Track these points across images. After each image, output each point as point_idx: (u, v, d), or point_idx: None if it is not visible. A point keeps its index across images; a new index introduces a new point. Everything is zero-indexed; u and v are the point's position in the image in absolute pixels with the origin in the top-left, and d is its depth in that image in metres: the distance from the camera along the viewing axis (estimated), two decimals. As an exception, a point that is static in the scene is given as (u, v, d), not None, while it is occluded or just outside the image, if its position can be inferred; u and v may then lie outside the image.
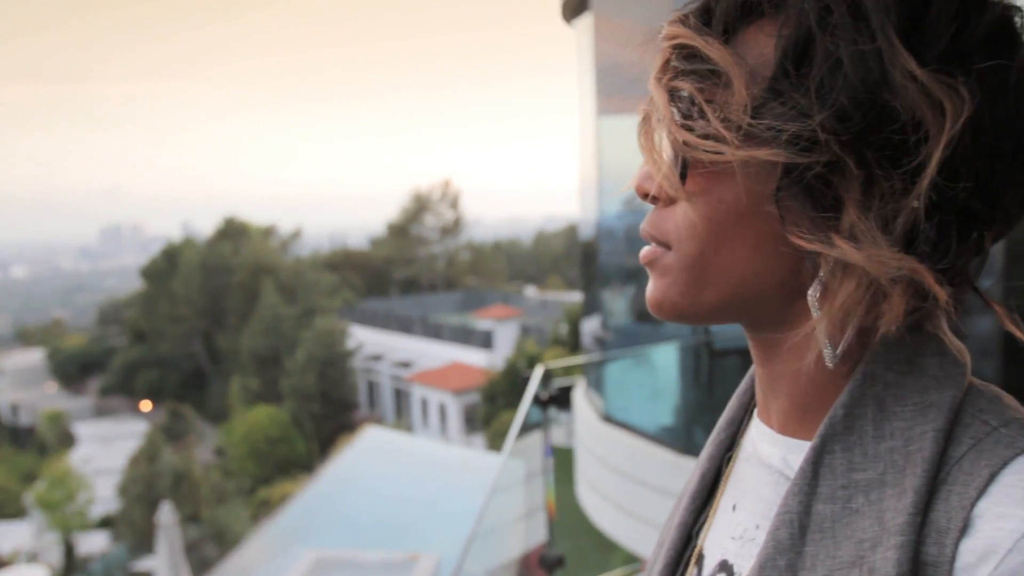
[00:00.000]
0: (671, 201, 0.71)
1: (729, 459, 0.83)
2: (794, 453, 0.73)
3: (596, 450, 7.22)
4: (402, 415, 39.57)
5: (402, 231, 57.25)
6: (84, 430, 45.82)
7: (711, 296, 0.71)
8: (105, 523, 32.11)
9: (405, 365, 41.16)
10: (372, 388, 42.94)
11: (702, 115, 0.67)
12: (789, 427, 0.74)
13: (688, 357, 7.18)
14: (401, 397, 40.45)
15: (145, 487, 30.09)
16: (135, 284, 61.27)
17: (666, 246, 0.72)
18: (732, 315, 0.72)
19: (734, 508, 0.79)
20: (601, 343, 8.88)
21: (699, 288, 0.71)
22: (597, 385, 8.04)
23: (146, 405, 49.33)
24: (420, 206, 56.76)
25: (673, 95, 0.69)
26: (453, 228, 57.63)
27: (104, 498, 32.55)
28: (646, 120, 0.71)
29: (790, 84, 0.64)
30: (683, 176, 0.68)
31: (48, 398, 56.25)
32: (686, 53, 0.68)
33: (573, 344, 30.37)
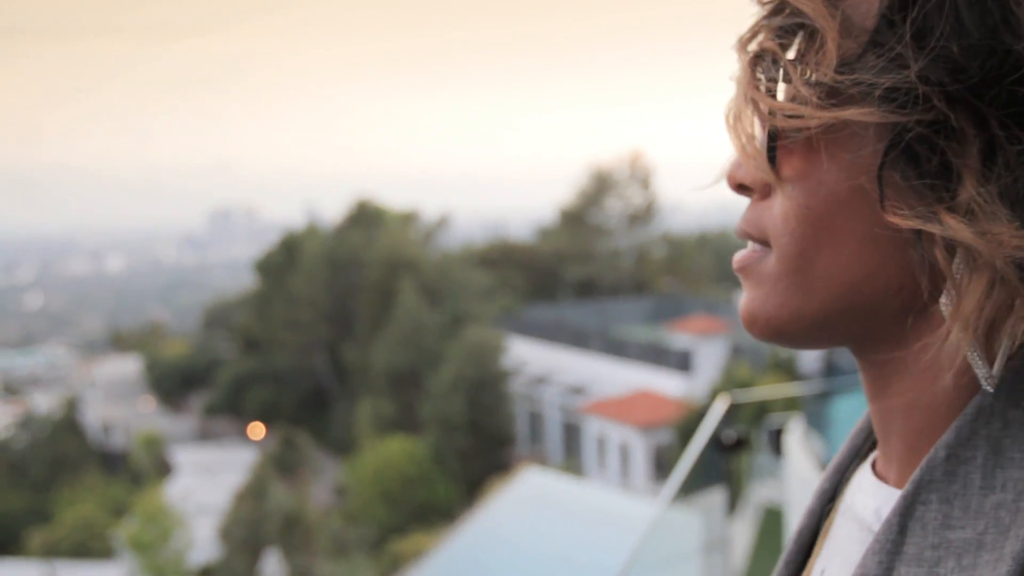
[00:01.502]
0: (768, 192, 0.74)
1: (829, 512, 0.85)
2: (888, 504, 0.74)
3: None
4: (572, 455, 39.78)
5: (577, 219, 57.56)
6: (184, 456, 48.64)
7: (815, 306, 0.72)
8: (205, 573, 33.92)
9: (578, 391, 41.34)
10: (535, 419, 43.39)
11: (787, 77, 0.70)
12: (892, 474, 0.76)
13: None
14: (572, 432, 40.67)
15: (250, 530, 31.59)
16: (247, 280, 64.48)
17: (765, 244, 0.74)
18: (841, 332, 0.74)
19: (822, 574, 0.80)
20: (830, 368, 8.71)
21: (802, 297, 0.72)
22: (820, 425, 7.89)
23: (257, 429, 51.72)
24: (601, 187, 56.92)
25: (758, 59, 0.72)
26: (644, 215, 57.47)
27: (203, 540, 34.40)
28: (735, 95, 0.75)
29: (893, 34, 0.66)
30: (771, 156, 0.71)
31: (144, 417, 60.05)
32: (775, 7, 0.72)
33: (795, 369, 29.77)
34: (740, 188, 0.77)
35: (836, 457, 0.88)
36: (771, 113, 0.71)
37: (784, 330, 0.74)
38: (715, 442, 4.97)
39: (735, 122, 0.74)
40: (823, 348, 0.77)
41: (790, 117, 0.69)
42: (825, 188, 0.70)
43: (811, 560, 0.84)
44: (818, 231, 0.70)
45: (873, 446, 0.85)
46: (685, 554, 5.22)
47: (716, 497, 5.07)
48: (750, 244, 0.77)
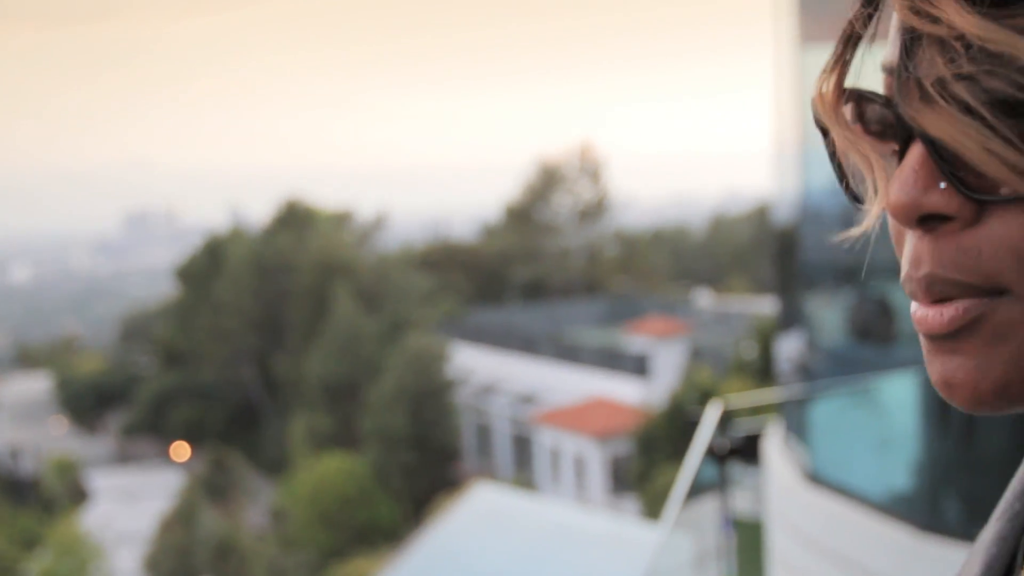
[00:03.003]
0: (974, 219, 0.62)
1: None
2: None
3: (798, 524, 7.10)
4: (524, 468, 39.84)
5: (524, 216, 57.71)
6: (101, 481, 48.02)
7: None
8: (128, 607, 33.56)
9: (528, 400, 41.39)
10: (483, 431, 43.38)
11: None
12: None
13: (934, 391, 6.98)
14: (523, 444, 40.71)
15: (179, 560, 31.30)
16: (167, 288, 63.84)
17: (996, 292, 0.63)
18: None
19: None
20: (805, 371, 8.75)
21: None
22: (800, 431, 7.92)
23: (181, 450, 51.24)
24: (549, 181, 57.11)
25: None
26: (595, 211, 57.72)
27: (125, 572, 33.99)
28: (934, 83, 0.62)
29: None
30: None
31: (55, 439, 59.20)
32: None
33: (764, 372, 29.96)
34: (922, 221, 0.64)
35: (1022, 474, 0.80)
36: None
37: None
38: (709, 451, 4.97)
39: (935, 112, 0.61)
40: None
41: None
42: None
43: None
44: None
45: None
46: (678, 569, 5.22)
47: (706, 508, 5.08)
48: (956, 292, 0.64)
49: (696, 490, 5.19)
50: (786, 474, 7.53)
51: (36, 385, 70.15)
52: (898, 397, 7.59)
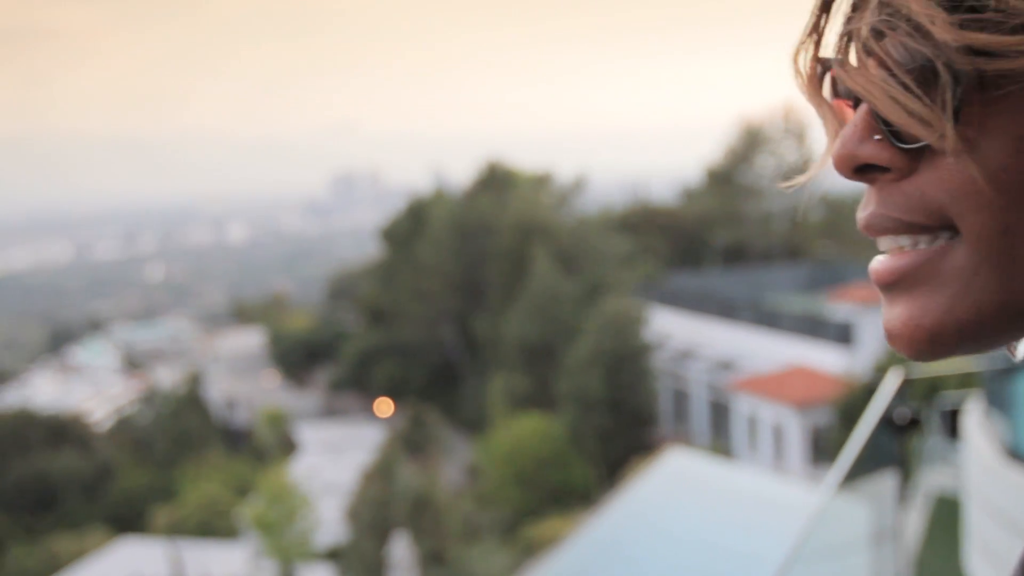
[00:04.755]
0: (909, 167, 0.66)
1: None
2: None
3: (998, 502, 6.80)
4: (720, 435, 39.47)
5: (726, 179, 56.80)
6: (309, 434, 49.89)
7: (1020, 290, 0.65)
8: (332, 555, 34.77)
9: (726, 367, 40.93)
10: (679, 397, 43.13)
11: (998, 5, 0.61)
12: None
13: None
14: (719, 411, 40.32)
15: (378, 511, 32.22)
16: (372, 249, 65.54)
17: (934, 230, 0.66)
18: None
19: None
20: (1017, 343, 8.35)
21: (1008, 287, 0.65)
22: (1002, 406, 7.59)
23: (384, 406, 52.66)
24: (752, 143, 56.00)
25: None
26: (800, 173, 56.17)
27: (330, 521, 35.25)
28: (856, 38, 0.67)
29: None
30: (957, 112, 0.62)
31: (268, 392, 61.75)
32: None
33: (974, 343, 28.95)
34: (859, 172, 0.68)
35: None
36: (977, 51, 0.62)
37: (980, 334, 0.67)
38: (887, 422, 4.77)
39: (861, 76, 0.65)
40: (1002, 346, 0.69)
41: (988, 56, 0.61)
42: None
43: None
44: (1022, 199, 0.63)
45: None
46: (852, 544, 5.04)
47: (887, 482, 4.88)
48: (899, 242, 0.68)
49: (878, 462, 4.98)
50: (986, 451, 7.24)
51: (250, 340, 73.28)
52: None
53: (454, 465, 41.86)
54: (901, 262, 0.67)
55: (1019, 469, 6.69)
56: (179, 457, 45.57)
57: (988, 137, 0.62)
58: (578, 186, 58.42)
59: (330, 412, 57.83)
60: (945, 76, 0.62)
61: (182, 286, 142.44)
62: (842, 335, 38.13)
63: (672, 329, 43.92)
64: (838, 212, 60.13)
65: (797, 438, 35.27)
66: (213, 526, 36.89)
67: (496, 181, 54.46)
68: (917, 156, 0.65)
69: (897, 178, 0.66)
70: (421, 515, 31.55)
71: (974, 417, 7.79)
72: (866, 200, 0.69)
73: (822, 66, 0.71)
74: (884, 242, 0.69)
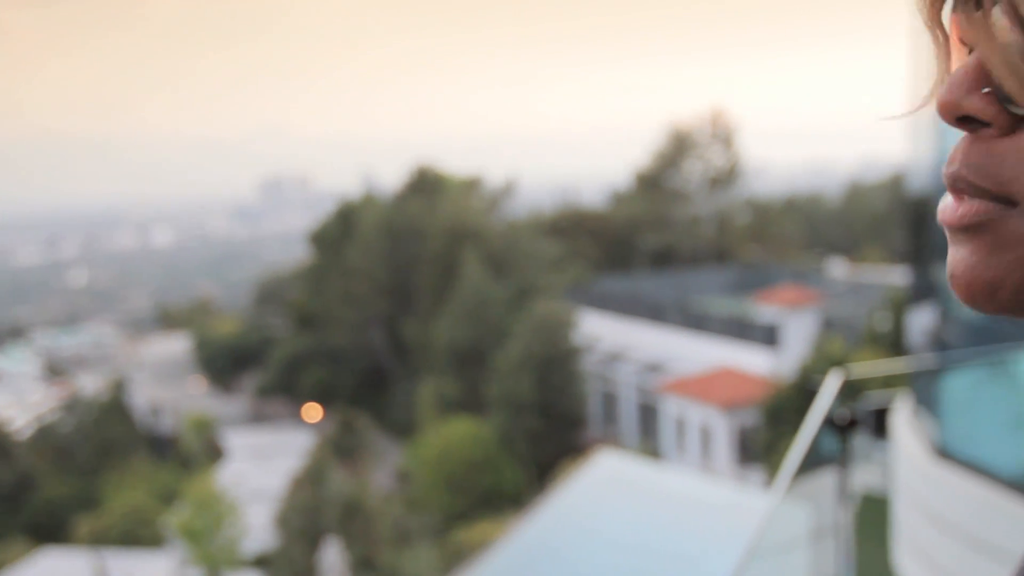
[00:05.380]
0: (1009, 128, 0.65)
1: None
2: None
3: (927, 500, 6.87)
4: (649, 437, 39.70)
5: (654, 183, 57.24)
6: (236, 440, 49.34)
7: None
8: (260, 563, 34.42)
9: (655, 369, 41.17)
10: (608, 399, 43.31)
11: None
12: None
13: (1073, 365, 6.72)
14: (648, 413, 40.55)
15: (308, 518, 31.97)
16: (301, 253, 65.07)
17: (1007, 200, 0.66)
18: None
19: None
20: (939, 343, 8.49)
21: None
22: (930, 405, 7.68)
23: (312, 411, 52.30)
24: (680, 148, 56.52)
25: None
26: (726, 178, 56.96)
27: (258, 527, 34.89)
28: None
29: None
30: None
31: (193, 398, 61.03)
32: None
33: (898, 344, 29.34)
34: (961, 121, 0.67)
35: None
36: None
37: None
38: (828, 422, 4.81)
39: (977, 26, 0.65)
40: None
41: None
42: None
43: None
44: None
45: None
46: (792, 542, 5.06)
47: (826, 481, 4.91)
48: (968, 197, 0.68)
49: (816, 461, 5.02)
50: (915, 449, 7.32)
51: (176, 346, 72.41)
52: (1037, 371, 7.32)
53: (384, 470, 41.69)
54: (971, 209, 0.67)
55: (947, 467, 6.78)
56: (102, 465, 44.84)
57: None
58: (508, 190, 58.55)
59: (257, 418, 57.30)
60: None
61: (106, 291, 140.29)
62: (768, 337, 38.54)
63: (601, 332, 44.11)
64: (764, 215, 60.86)
65: (724, 438, 35.57)
66: (138, 535, 36.33)
67: (426, 185, 54.38)
68: (1020, 121, 0.64)
69: (996, 135, 0.65)
70: (351, 520, 31.37)
71: (902, 416, 7.89)
72: (952, 155, 0.69)
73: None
74: (954, 209, 0.69)
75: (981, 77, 0.65)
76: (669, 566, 17.03)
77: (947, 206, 0.70)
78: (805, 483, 5.04)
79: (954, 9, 0.68)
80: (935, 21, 0.71)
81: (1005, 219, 0.66)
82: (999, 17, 0.63)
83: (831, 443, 4.96)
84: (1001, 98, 0.64)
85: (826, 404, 4.92)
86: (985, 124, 0.66)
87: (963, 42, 0.69)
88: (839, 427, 4.79)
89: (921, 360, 8.65)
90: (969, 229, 0.68)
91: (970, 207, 0.67)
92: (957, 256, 0.69)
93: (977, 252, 0.68)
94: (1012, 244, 0.66)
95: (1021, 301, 0.68)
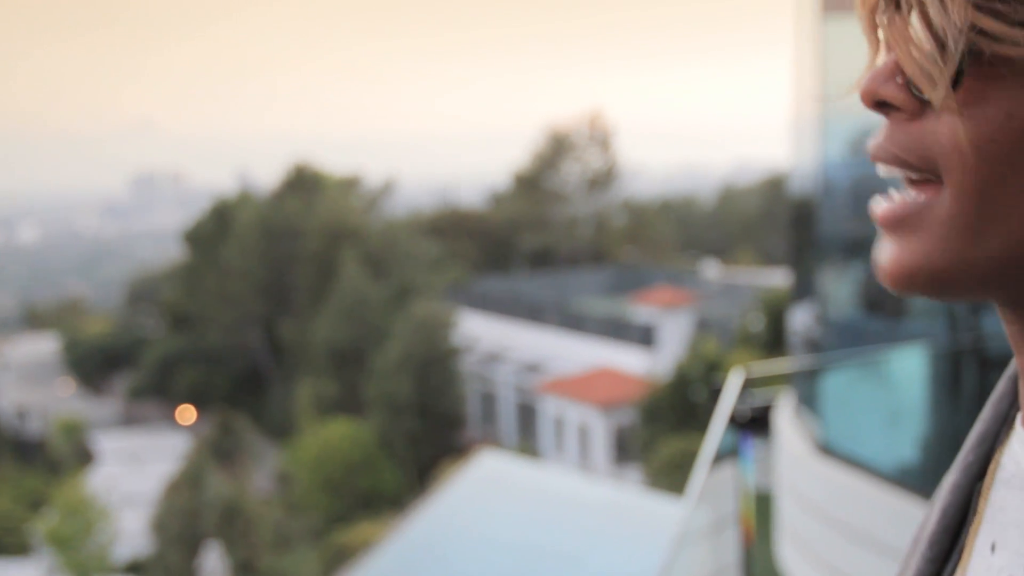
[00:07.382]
0: (919, 112, 0.73)
1: (980, 487, 0.85)
2: None
3: (807, 495, 7.11)
4: (528, 436, 39.94)
5: (533, 184, 57.59)
6: (107, 443, 48.18)
7: (987, 255, 0.71)
8: (133, 568, 33.74)
9: (533, 369, 41.44)
10: (487, 399, 43.46)
11: None
12: None
13: (944, 365, 6.99)
14: (527, 413, 40.80)
15: (185, 523, 31.45)
16: (174, 252, 63.86)
17: (932, 175, 0.73)
18: (1008, 283, 0.73)
19: (993, 548, 0.80)
20: (815, 344, 8.74)
21: (975, 244, 0.71)
22: (810, 403, 7.91)
23: (187, 413, 51.42)
24: (558, 149, 56.99)
25: None
26: (604, 180, 57.60)
27: (131, 533, 34.21)
28: None
29: None
30: (957, 80, 0.69)
31: (62, 401, 59.39)
32: None
33: (772, 343, 30.03)
34: (878, 106, 0.74)
35: (978, 427, 0.88)
36: (986, 34, 0.68)
37: (949, 283, 0.73)
38: (730, 420, 4.97)
39: (895, 28, 0.72)
40: (976, 301, 0.76)
41: (992, 39, 0.67)
42: (1018, 122, 0.68)
43: (969, 537, 0.84)
44: (1004, 169, 0.69)
45: (1017, 409, 0.85)
46: (694, 535, 5.22)
47: (725, 475, 5.07)
48: (900, 190, 0.75)
49: (718, 457, 5.18)
50: (797, 445, 7.53)
51: (43, 346, 70.29)
52: (908, 370, 7.59)
53: (263, 472, 41.18)
54: (896, 206, 0.74)
55: (828, 463, 7.02)
56: (-34, 471, 43.46)
57: (982, 107, 0.69)
58: (387, 189, 58.33)
59: (130, 421, 56.03)
60: (952, 47, 0.68)
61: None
62: (644, 337, 39.10)
63: (480, 332, 44.25)
64: (641, 217, 61.71)
65: (602, 438, 35.98)
66: (3, 543, 35.33)
67: (304, 184, 53.87)
68: (928, 107, 0.71)
69: (907, 119, 0.72)
70: (231, 524, 30.96)
71: (784, 414, 8.12)
72: (878, 133, 0.75)
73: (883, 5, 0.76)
74: (883, 170, 0.76)
75: (897, 70, 0.73)
76: (551, 565, 17.21)
77: (878, 206, 0.76)
78: (709, 477, 5.20)
79: (880, 15, 0.74)
80: (871, 27, 0.77)
81: (930, 206, 0.72)
82: (916, 21, 0.70)
83: (726, 441, 5.13)
84: (911, 87, 0.72)
85: (730, 403, 5.09)
86: (897, 109, 0.73)
87: (887, 45, 0.75)
88: (739, 425, 4.96)
89: (802, 360, 8.93)
90: (900, 223, 0.74)
91: (896, 203, 0.74)
92: (884, 249, 0.75)
93: (899, 242, 0.74)
94: (930, 228, 0.72)
95: (936, 283, 0.73)
